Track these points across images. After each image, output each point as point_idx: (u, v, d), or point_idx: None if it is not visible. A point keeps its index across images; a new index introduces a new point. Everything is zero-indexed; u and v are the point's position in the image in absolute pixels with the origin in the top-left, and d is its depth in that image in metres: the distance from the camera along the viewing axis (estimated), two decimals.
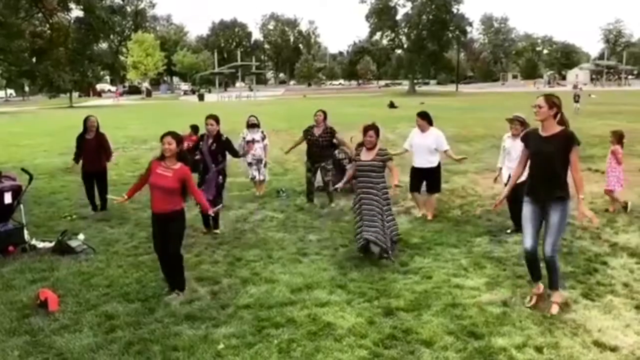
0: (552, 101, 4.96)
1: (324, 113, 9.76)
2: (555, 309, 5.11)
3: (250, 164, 10.72)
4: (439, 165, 8.65)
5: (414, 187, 8.75)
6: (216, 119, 8.03)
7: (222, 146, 8.08)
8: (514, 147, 7.45)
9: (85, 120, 9.40)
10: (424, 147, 8.46)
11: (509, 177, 7.60)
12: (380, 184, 6.65)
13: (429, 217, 8.63)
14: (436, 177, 8.68)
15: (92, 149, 9.34)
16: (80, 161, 9.44)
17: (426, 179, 8.65)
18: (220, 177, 8.09)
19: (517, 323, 4.93)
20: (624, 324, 4.90)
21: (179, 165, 5.57)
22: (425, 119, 8.56)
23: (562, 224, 5.05)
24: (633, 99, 41.76)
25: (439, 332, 4.80)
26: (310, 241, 7.63)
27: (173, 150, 5.54)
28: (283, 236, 7.90)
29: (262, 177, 10.85)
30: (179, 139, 5.65)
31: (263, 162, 10.78)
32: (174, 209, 5.57)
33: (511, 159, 7.56)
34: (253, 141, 10.51)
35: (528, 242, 5.17)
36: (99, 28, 11.84)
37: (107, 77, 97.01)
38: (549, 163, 4.96)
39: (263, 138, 10.77)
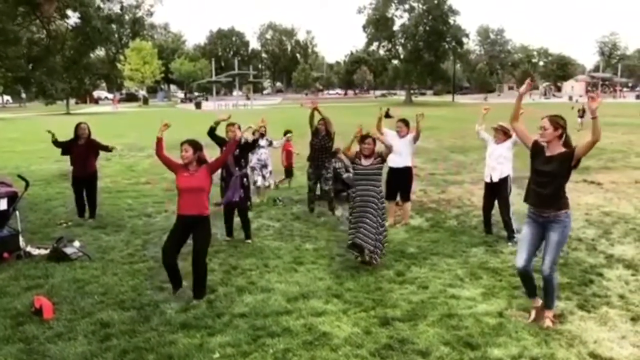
0: (557, 122, 4.95)
1: (325, 121, 9.80)
2: (549, 322, 5.11)
3: (253, 169, 10.72)
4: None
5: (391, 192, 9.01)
6: (237, 126, 7.84)
7: (245, 150, 8.16)
8: (496, 149, 7.96)
9: (77, 128, 9.42)
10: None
11: (490, 176, 8.01)
12: (379, 188, 6.87)
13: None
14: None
15: (83, 155, 9.36)
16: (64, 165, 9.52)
17: (401, 182, 8.94)
18: (245, 179, 8.14)
19: (513, 334, 4.93)
20: (619, 335, 4.91)
21: (202, 166, 5.82)
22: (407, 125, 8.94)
23: (561, 243, 5.08)
24: (628, 110, 42.02)
25: (435, 342, 4.79)
26: (306, 250, 7.63)
27: (190, 157, 5.75)
28: (279, 245, 7.89)
29: (267, 184, 10.90)
30: (196, 146, 5.83)
31: (269, 168, 10.85)
32: (203, 213, 5.79)
33: (493, 159, 7.98)
34: (258, 147, 10.55)
35: (520, 261, 5.18)
36: (95, 37, 11.82)
37: (104, 85, 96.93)
38: (550, 182, 4.98)
39: (270, 144, 10.92)
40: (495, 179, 7.96)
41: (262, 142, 10.68)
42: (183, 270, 6.10)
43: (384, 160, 6.97)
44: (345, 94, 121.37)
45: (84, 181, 9.43)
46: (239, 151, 7.98)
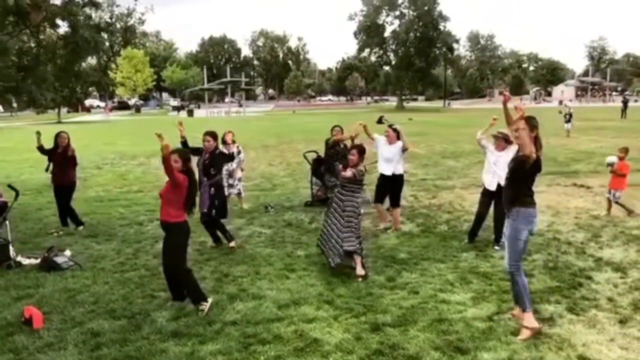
0: (533, 124, 5.07)
1: (341, 128, 10.06)
2: (524, 335, 4.97)
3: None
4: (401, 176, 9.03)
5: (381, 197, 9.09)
6: (214, 136, 8.04)
7: (216, 160, 8.12)
8: (501, 157, 7.73)
9: (57, 137, 9.47)
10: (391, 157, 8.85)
11: (497, 184, 7.84)
12: (347, 197, 6.86)
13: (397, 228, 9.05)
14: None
15: (61, 163, 9.39)
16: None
17: (390, 189, 8.99)
18: (212, 189, 8.04)
19: (502, 338, 4.96)
20: (608, 338, 4.95)
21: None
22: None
23: (512, 238, 5.14)
24: (617, 115, 42.36)
25: (425, 347, 4.82)
26: (298, 257, 7.64)
27: (178, 168, 5.69)
28: (271, 252, 7.90)
29: (236, 192, 10.74)
30: (185, 157, 5.82)
31: (236, 176, 10.67)
32: (169, 220, 5.69)
33: (500, 168, 7.73)
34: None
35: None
36: (84, 47, 11.79)
37: (96, 93, 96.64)
38: (509, 179, 5.25)
39: (238, 153, 10.67)
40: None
41: (232, 151, 10.38)
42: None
43: (358, 180, 6.90)
44: (349, 100, 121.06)
45: (64, 189, 9.45)
46: (209, 160, 7.97)
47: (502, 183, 7.70)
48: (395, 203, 9.04)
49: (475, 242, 8.15)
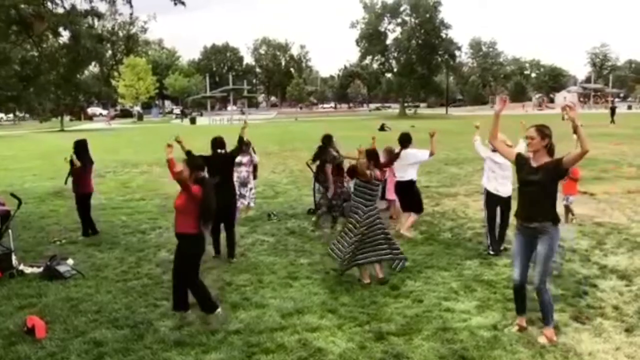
0: (544, 132, 4.95)
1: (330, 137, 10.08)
2: (543, 339, 5.02)
3: None
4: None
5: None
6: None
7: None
8: (500, 164, 7.76)
9: (84, 145, 9.51)
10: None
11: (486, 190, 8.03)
12: (363, 205, 6.90)
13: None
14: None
15: (87, 170, 9.50)
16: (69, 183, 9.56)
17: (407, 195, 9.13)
18: None
19: (507, 347, 4.92)
20: (614, 347, 4.91)
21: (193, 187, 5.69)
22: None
23: (548, 257, 4.98)
24: (619, 121, 42.30)
25: (430, 356, 4.78)
26: (301, 265, 7.61)
27: (186, 178, 5.64)
28: (274, 260, 7.87)
29: (246, 202, 10.55)
30: (193, 165, 5.80)
31: (249, 186, 10.56)
32: (181, 231, 5.73)
33: (498, 175, 7.90)
34: (240, 164, 10.10)
35: (516, 274, 5.20)
36: (85, 56, 11.82)
37: (98, 101, 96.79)
38: (537, 193, 4.92)
39: (250, 161, 10.57)
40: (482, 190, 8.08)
41: (245, 159, 10.27)
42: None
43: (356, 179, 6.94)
44: (335, 107, 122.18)
45: (88, 197, 9.55)
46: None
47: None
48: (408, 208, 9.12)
49: (480, 250, 8.13)
